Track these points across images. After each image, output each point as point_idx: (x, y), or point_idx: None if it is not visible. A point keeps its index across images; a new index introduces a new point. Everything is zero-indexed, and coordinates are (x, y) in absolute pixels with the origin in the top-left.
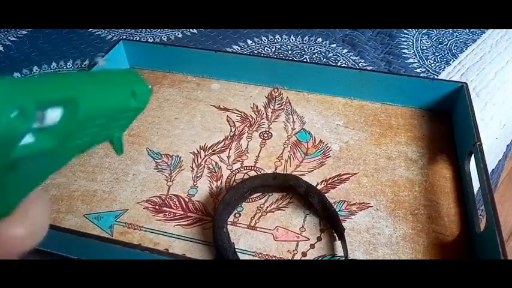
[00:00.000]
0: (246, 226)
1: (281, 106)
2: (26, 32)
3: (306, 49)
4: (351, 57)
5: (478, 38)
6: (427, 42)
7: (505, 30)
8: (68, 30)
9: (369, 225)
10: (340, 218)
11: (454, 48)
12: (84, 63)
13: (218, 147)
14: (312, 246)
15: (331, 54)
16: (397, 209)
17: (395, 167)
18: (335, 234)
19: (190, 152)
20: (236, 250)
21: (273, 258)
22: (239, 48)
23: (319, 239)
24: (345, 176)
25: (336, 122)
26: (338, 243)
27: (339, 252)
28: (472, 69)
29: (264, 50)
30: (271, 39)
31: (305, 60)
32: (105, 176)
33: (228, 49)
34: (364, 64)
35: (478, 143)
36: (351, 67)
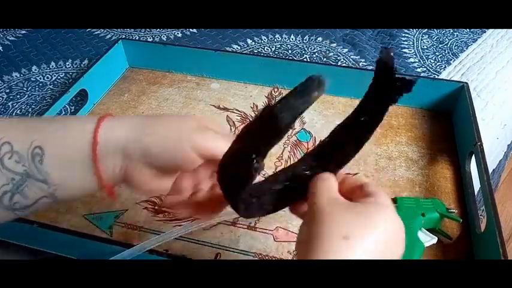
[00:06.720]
0: (246, 226)
1: None
2: (24, 32)
3: (306, 49)
4: (351, 56)
5: (479, 37)
6: (428, 41)
7: (505, 30)
8: (67, 29)
9: None
10: None
11: (455, 48)
12: (84, 63)
13: None
14: None
15: (332, 53)
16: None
17: (396, 167)
18: None
19: None
20: (236, 250)
21: (273, 259)
22: (239, 47)
23: None
24: None
25: (336, 122)
26: None
27: None
28: (472, 69)
29: (263, 49)
30: (271, 38)
31: (305, 59)
32: None
33: (227, 48)
34: (364, 64)
35: (479, 143)
36: (351, 67)
